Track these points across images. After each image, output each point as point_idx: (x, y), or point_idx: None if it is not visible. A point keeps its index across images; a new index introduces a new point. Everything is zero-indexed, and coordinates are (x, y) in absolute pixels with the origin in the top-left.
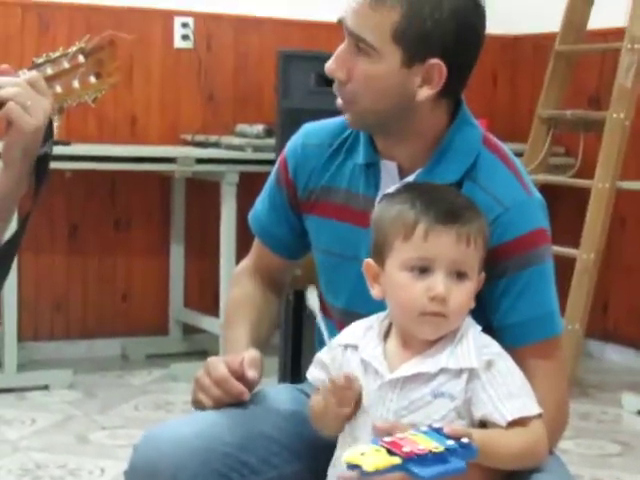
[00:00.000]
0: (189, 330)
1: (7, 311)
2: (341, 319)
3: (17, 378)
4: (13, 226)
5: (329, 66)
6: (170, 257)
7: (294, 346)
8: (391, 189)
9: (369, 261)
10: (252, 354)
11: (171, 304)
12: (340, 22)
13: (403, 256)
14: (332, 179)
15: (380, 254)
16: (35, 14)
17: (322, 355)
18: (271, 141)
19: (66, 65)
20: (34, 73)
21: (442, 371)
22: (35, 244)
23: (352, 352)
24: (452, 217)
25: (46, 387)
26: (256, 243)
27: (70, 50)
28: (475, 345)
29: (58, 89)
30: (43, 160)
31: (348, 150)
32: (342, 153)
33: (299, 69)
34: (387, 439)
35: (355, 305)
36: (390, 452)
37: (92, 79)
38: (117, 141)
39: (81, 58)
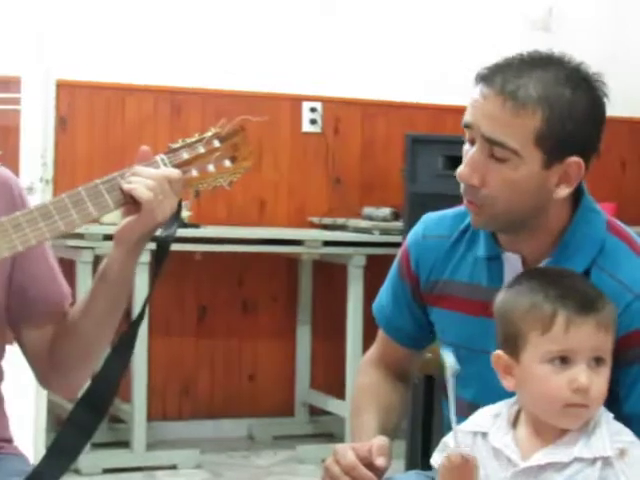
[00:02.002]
0: (315, 412)
1: (137, 391)
2: (468, 411)
3: (146, 457)
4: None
5: (462, 172)
6: (297, 339)
7: (424, 431)
8: (513, 278)
9: (499, 353)
10: (380, 441)
11: (297, 386)
12: (468, 126)
13: (542, 349)
14: (454, 272)
15: (513, 346)
16: (168, 100)
17: (448, 439)
18: (398, 224)
19: (202, 150)
20: (175, 170)
21: (575, 460)
22: (165, 326)
23: (482, 439)
24: (590, 306)
25: (174, 467)
26: (381, 333)
27: (206, 135)
28: (608, 433)
29: (194, 173)
30: (164, 246)
31: (469, 242)
32: (463, 245)
33: (426, 153)
34: None
35: (483, 399)
36: None
37: (227, 163)
38: (246, 224)
39: (216, 143)
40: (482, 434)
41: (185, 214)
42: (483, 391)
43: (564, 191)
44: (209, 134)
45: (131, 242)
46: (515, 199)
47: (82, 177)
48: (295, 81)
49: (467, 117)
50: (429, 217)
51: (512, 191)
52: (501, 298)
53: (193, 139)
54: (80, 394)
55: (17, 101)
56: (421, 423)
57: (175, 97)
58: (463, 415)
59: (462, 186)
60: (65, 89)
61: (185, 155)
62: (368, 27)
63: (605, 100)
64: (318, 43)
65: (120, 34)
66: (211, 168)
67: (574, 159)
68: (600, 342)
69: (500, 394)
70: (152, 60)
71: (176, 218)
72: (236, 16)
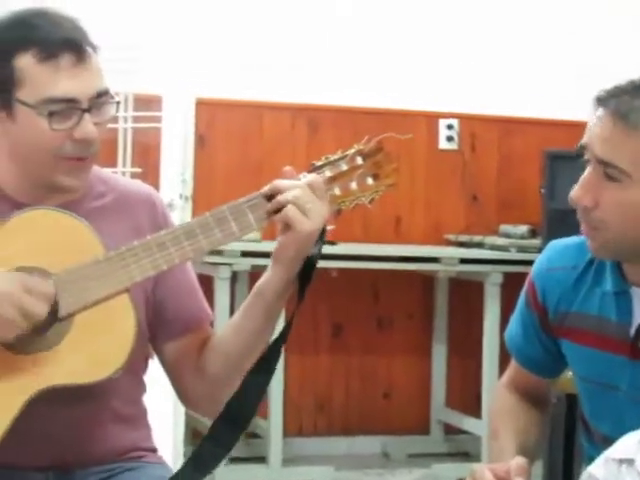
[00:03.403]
0: (450, 430)
1: (273, 407)
2: (605, 444)
3: (281, 473)
4: (280, 324)
5: (574, 193)
6: (432, 356)
7: (565, 451)
8: None
9: None
10: (519, 461)
11: (432, 403)
12: (582, 147)
13: None
14: (582, 305)
15: None
16: (304, 117)
17: (593, 469)
18: (536, 242)
19: (344, 167)
20: (315, 176)
21: None
22: (300, 342)
23: (627, 467)
24: None
25: None
26: (513, 361)
27: (348, 152)
28: None
29: (336, 191)
30: (310, 261)
31: (595, 274)
32: (589, 277)
33: (565, 169)
34: None
35: (619, 434)
36: None
37: (370, 181)
38: (381, 241)
39: (359, 160)
40: (628, 461)
41: (329, 227)
42: (618, 427)
43: None
44: (352, 151)
45: (287, 259)
46: (628, 223)
47: (220, 194)
48: (432, 98)
49: (584, 138)
50: (553, 246)
51: (625, 214)
52: None
53: (336, 156)
54: (221, 408)
55: (158, 119)
56: (563, 443)
57: (312, 114)
58: (600, 444)
59: (578, 211)
60: (204, 107)
61: (328, 173)
62: (504, 44)
63: None
64: (455, 60)
65: (258, 52)
66: (353, 186)
67: None
68: None
69: (634, 428)
70: (289, 77)
71: (322, 234)
72: (372, 34)
